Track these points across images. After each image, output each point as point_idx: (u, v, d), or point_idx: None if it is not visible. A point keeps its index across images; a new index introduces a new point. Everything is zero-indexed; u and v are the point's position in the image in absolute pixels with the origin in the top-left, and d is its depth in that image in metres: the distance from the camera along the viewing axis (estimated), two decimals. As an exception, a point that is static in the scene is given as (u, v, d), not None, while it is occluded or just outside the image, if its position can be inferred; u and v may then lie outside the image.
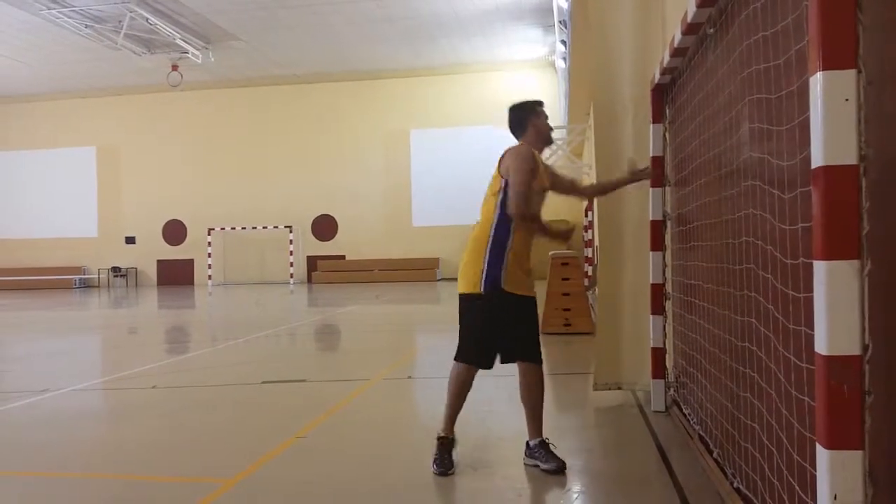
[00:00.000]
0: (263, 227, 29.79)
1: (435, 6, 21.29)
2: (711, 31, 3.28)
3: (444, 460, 3.65)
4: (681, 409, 4.46)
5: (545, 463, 3.62)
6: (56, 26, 21.41)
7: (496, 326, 3.66)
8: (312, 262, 29.61)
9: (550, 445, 3.69)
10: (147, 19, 20.59)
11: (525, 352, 3.73)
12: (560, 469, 3.58)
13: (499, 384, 5.16)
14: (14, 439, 4.76)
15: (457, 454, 3.75)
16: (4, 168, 31.92)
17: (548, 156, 18.08)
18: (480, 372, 3.78)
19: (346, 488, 3.55)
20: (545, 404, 3.83)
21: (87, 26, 21.38)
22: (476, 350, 3.72)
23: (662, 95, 4.62)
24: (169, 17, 21.37)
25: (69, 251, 31.26)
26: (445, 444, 3.72)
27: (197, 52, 23.72)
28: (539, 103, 3.96)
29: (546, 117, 3.93)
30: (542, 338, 3.88)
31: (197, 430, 4.88)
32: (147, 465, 4.07)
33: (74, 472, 4.00)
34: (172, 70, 25.02)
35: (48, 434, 4.85)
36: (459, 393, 3.75)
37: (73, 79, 28.10)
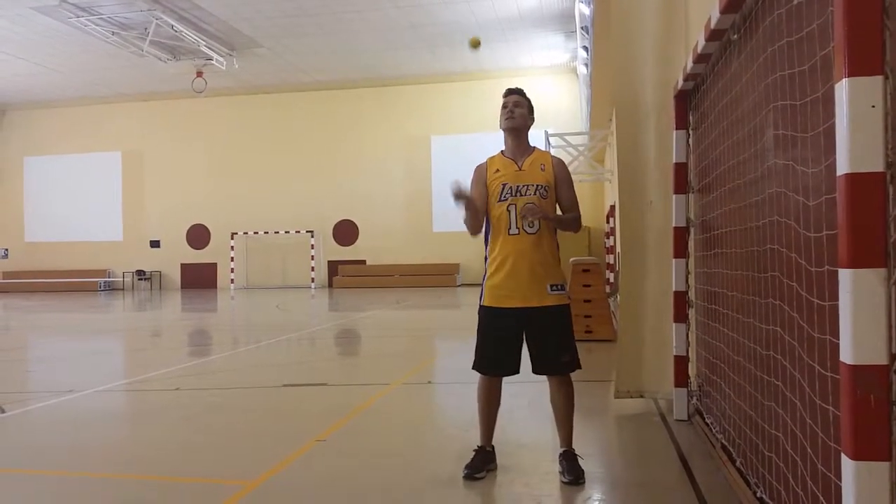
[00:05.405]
0: (285, 232, 30.02)
1: (457, 13, 21.35)
2: (735, 37, 3.26)
3: (473, 463, 3.69)
4: (703, 418, 4.41)
5: (564, 474, 3.60)
6: (84, 34, 21.80)
7: (488, 337, 3.70)
8: (333, 266, 29.77)
9: (579, 458, 3.67)
10: (172, 26, 20.87)
11: (538, 365, 3.70)
12: (572, 482, 3.55)
13: (518, 391, 5.15)
14: (39, 439, 4.84)
15: (493, 466, 3.75)
16: (33, 172, 32.52)
17: (569, 161, 18.00)
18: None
19: (366, 491, 3.57)
20: None
21: (113, 33, 21.73)
22: (477, 356, 3.76)
23: (686, 101, 4.59)
24: (194, 24, 21.65)
25: (94, 254, 31.73)
26: (478, 452, 3.76)
27: (221, 59, 23.99)
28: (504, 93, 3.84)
29: (503, 104, 3.79)
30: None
31: (219, 432, 4.92)
32: (170, 466, 4.12)
33: (98, 472, 4.05)
34: (197, 76, 25.33)
35: (73, 434, 4.93)
36: (480, 401, 3.79)
37: (99, 85, 28.57)
